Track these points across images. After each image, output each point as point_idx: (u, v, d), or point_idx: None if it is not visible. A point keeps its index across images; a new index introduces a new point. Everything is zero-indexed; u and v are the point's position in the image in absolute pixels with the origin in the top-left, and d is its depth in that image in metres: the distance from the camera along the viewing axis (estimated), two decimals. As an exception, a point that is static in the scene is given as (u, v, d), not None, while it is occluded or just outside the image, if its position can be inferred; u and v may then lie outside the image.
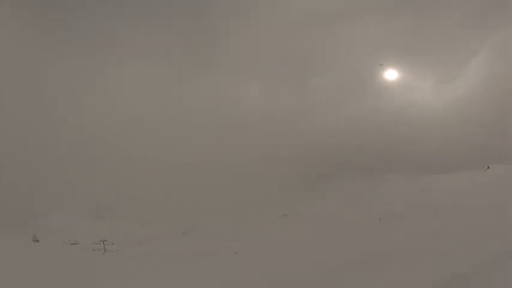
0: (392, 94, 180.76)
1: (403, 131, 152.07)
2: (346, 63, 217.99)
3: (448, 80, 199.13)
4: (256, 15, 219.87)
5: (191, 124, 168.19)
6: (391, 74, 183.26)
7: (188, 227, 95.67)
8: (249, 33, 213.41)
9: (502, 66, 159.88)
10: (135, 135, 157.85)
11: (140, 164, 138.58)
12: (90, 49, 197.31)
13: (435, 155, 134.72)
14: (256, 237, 71.67)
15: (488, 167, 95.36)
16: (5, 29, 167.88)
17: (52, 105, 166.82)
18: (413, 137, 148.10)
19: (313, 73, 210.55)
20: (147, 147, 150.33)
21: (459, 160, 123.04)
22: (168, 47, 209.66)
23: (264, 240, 66.22)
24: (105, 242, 72.99)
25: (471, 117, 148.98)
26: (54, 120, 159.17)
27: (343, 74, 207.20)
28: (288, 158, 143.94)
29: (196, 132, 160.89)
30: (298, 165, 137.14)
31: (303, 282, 33.18)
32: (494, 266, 21.54)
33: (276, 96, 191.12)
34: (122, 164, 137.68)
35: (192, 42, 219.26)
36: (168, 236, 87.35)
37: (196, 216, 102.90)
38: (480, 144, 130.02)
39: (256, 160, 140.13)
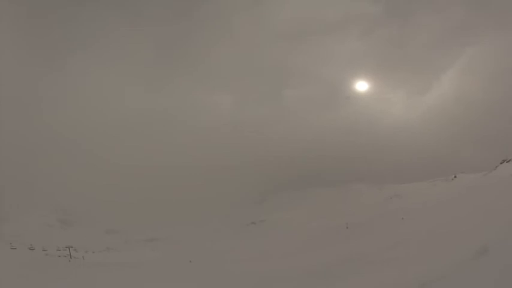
0: (365, 105, 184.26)
1: (375, 141, 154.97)
2: (322, 74, 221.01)
3: (420, 93, 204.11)
4: (235, 24, 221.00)
5: (161, 130, 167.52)
6: (366, 86, 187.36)
7: (155, 233, 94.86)
8: (227, 42, 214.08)
9: (471, 81, 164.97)
10: (103, 142, 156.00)
11: (108, 170, 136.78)
12: (62, 54, 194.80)
13: (404, 164, 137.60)
14: (224, 243, 71.62)
15: (455, 176, 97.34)
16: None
17: (21, 109, 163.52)
18: (384, 147, 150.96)
19: (288, 83, 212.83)
20: (115, 153, 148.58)
21: (427, 169, 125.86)
22: (142, 52, 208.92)
23: (231, 247, 66.15)
24: (70, 249, 71.66)
25: (440, 129, 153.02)
26: (23, 124, 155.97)
27: (318, 85, 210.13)
28: (258, 166, 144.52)
29: (166, 139, 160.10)
30: (268, 174, 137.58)
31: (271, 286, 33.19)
32: (461, 270, 21.83)
33: (249, 105, 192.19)
34: (89, 170, 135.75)
35: (167, 49, 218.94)
36: (134, 243, 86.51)
37: (163, 223, 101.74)
38: (448, 154, 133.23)
39: (227, 168, 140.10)
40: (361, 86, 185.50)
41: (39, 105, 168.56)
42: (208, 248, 67.47)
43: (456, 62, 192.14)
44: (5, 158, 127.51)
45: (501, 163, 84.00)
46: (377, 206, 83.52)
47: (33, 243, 78.68)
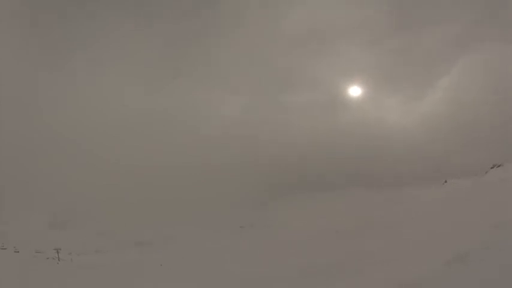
0: (362, 111, 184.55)
1: (370, 146, 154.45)
2: (321, 79, 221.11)
3: (415, 99, 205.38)
4: (237, 26, 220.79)
5: (161, 130, 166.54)
6: (363, 92, 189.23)
7: (144, 237, 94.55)
8: (228, 43, 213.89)
9: (466, 89, 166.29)
10: (103, 142, 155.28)
11: (108, 170, 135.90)
12: (62, 54, 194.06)
13: (397, 169, 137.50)
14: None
15: (445, 181, 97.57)
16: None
17: (21, 109, 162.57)
18: (377, 152, 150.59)
19: (288, 87, 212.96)
20: (115, 153, 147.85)
21: (419, 174, 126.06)
22: (142, 52, 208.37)
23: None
24: (59, 251, 70.97)
25: (432, 135, 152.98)
26: (23, 124, 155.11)
27: (317, 91, 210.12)
28: (256, 169, 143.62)
29: (166, 139, 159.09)
30: (266, 178, 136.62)
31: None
32: (444, 274, 21.92)
33: (248, 108, 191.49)
34: (89, 170, 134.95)
35: (168, 49, 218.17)
36: (123, 246, 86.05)
37: (152, 227, 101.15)
38: (439, 159, 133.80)
39: (225, 170, 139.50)
40: (358, 91, 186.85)
41: (39, 105, 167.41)
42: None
43: (451, 70, 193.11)
44: (5, 158, 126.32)
45: (491, 168, 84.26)
46: (368, 210, 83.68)
47: (21, 245, 77.96)
